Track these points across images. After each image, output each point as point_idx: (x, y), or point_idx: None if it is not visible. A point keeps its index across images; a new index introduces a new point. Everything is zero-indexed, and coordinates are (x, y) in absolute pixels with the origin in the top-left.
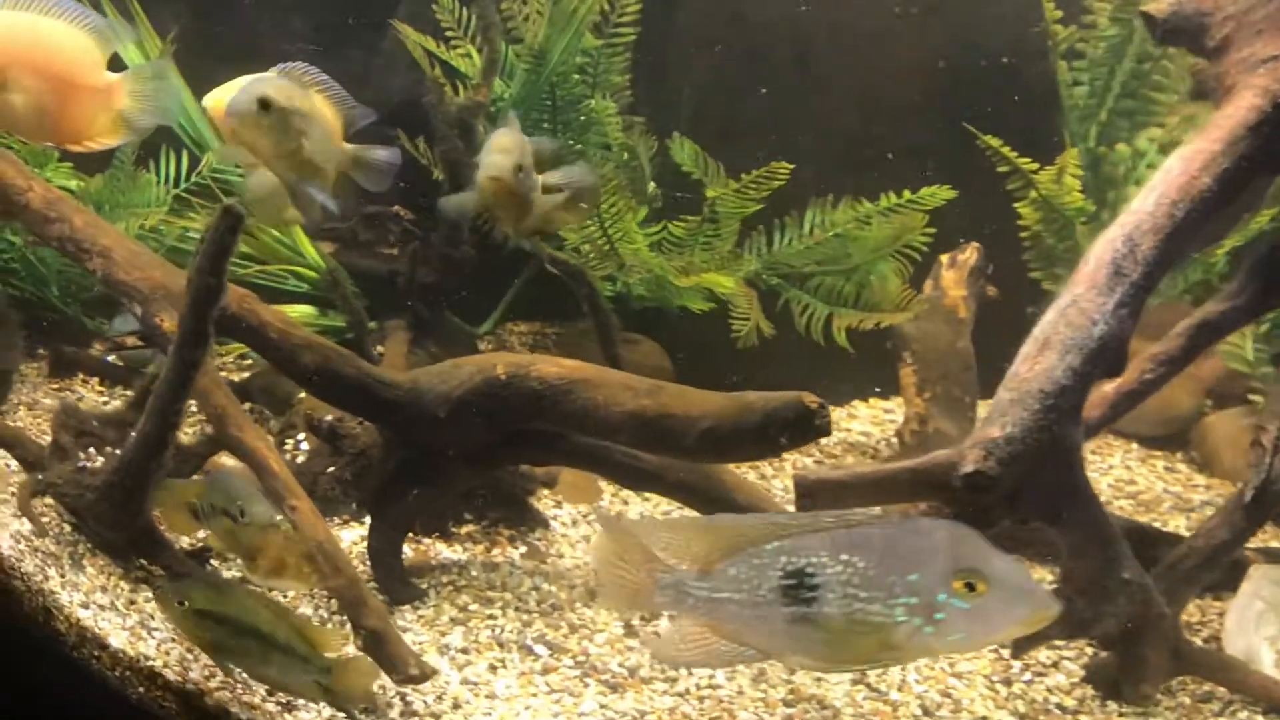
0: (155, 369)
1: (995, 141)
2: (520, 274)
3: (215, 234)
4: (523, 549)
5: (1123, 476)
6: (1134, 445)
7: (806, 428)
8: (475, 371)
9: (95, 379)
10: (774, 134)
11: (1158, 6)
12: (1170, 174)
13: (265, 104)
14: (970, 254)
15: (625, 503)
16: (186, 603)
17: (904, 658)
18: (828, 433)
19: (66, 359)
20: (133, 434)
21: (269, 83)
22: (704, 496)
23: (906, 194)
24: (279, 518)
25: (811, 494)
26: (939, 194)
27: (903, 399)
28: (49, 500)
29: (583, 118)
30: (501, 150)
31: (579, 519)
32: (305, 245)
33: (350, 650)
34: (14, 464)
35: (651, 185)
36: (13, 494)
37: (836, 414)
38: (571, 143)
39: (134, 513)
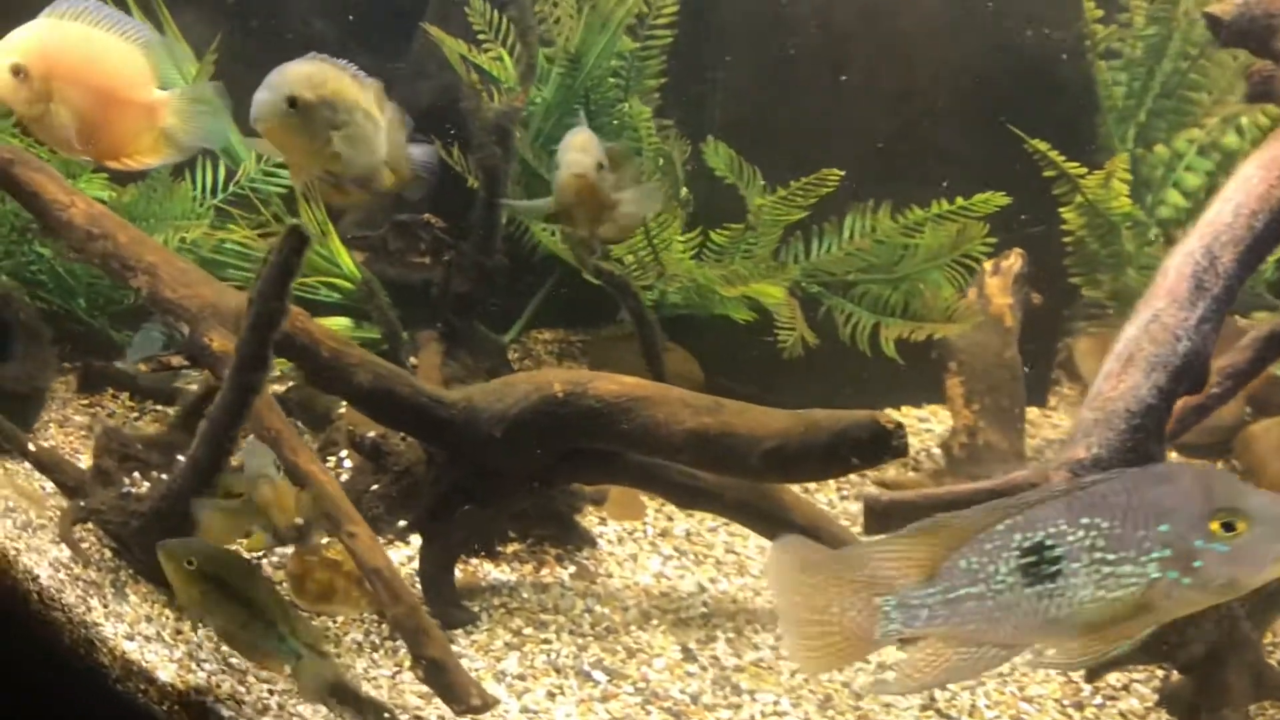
0: (196, 388)
1: (1043, 146)
2: (544, 281)
3: (280, 255)
4: (571, 569)
5: None
6: (1174, 455)
7: (882, 448)
8: (532, 390)
9: (125, 394)
10: (807, 137)
11: (1222, 8)
12: (1249, 183)
13: (294, 102)
14: (1014, 260)
15: (670, 519)
16: (194, 562)
17: (1162, 616)
18: (905, 453)
19: (96, 373)
20: (180, 458)
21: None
22: (762, 515)
23: (960, 200)
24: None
25: (884, 516)
26: (992, 200)
27: (949, 410)
28: (88, 525)
29: (615, 122)
30: (581, 148)
31: (624, 536)
32: (343, 256)
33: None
34: (50, 487)
35: (684, 190)
36: (51, 519)
37: None
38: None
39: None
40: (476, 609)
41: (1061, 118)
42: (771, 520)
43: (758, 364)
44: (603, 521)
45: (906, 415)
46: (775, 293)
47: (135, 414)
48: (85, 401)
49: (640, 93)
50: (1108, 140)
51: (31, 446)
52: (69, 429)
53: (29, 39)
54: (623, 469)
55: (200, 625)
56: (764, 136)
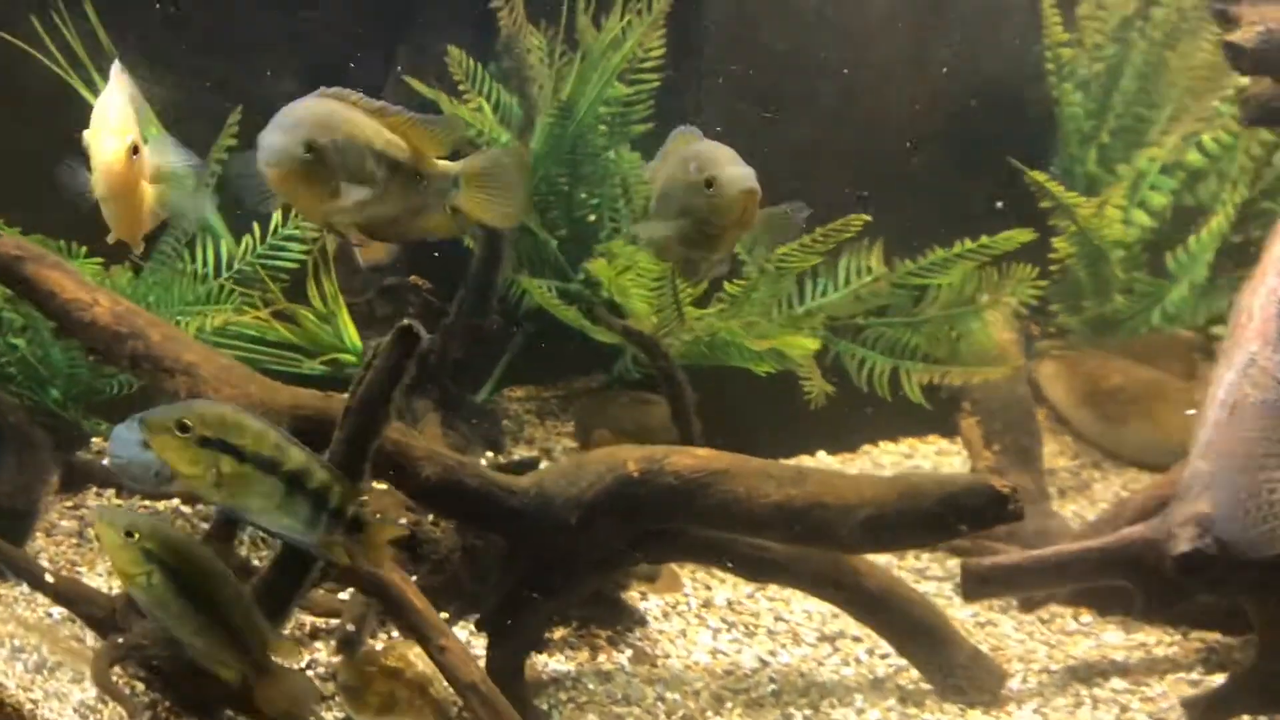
0: None
1: (1041, 177)
2: (509, 339)
3: (388, 357)
4: (629, 652)
5: None
6: (1158, 477)
7: (997, 514)
8: (605, 470)
9: (111, 491)
10: (787, 175)
11: (1244, 35)
12: None
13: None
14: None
15: (708, 588)
16: (136, 535)
17: None
18: (1021, 518)
19: (78, 471)
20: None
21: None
22: (834, 584)
23: (984, 239)
24: None
25: (984, 582)
26: (1015, 238)
27: (966, 452)
28: None
29: (601, 170)
30: (736, 159)
31: (669, 610)
32: (350, 330)
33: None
34: (57, 612)
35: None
36: (69, 653)
37: (861, 461)
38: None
39: None
40: (545, 707)
41: (1022, 140)
42: (844, 589)
43: (743, 411)
44: (643, 596)
45: (886, 451)
46: (810, 344)
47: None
48: (69, 503)
49: (628, 138)
50: (1068, 162)
51: (50, 578)
52: (56, 536)
53: None
54: (689, 545)
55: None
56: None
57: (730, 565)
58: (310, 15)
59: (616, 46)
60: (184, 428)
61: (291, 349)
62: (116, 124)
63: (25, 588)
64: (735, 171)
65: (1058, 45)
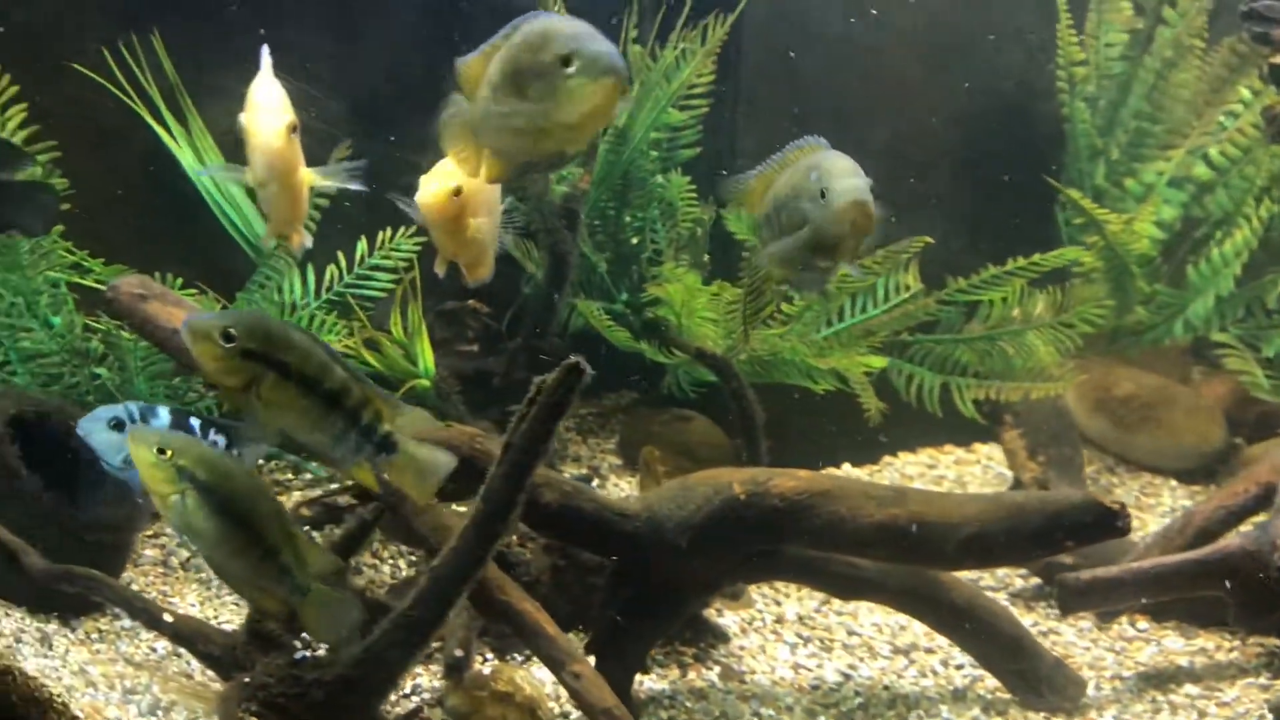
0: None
1: (1075, 194)
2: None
3: (553, 392)
4: (716, 669)
5: None
6: (1172, 481)
7: (1106, 530)
8: (712, 493)
9: None
10: None
11: None
12: None
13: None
14: (1039, 306)
15: (778, 603)
16: (169, 453)
17: None
18: (1128, 533)
19: None
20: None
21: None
22: (924, 599)
23: (1037, 256)
24: None
25: (1082, 595)
26: (1066, 254)
27: (1009, 464)
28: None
29: (647, 194)
30: (854, 171)
31: (745, 627)
32: (427, 358)
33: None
34: (161, 647)
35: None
36: (180, 691)
37: (886, 472)
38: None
39: (372, 713)
40: None
41: (1033, 156)
42: (933, 604)
43: (768, 424)
44: (719, 613)
45: (908, 462)
46: (876, 362)
47: None
48: (149, 532)
49: (675, 163)
50: (1077, 176)
51: (168, 616)
52: (143, 566)
53: None
54: (784, 564)
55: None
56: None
57: (824, 583)
58: (362, 43)
59: (670, 75)
60: (228, 337)
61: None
62: (274, 103)
63: (126, 621)
64: (849, 184)
65: (1072, 64)
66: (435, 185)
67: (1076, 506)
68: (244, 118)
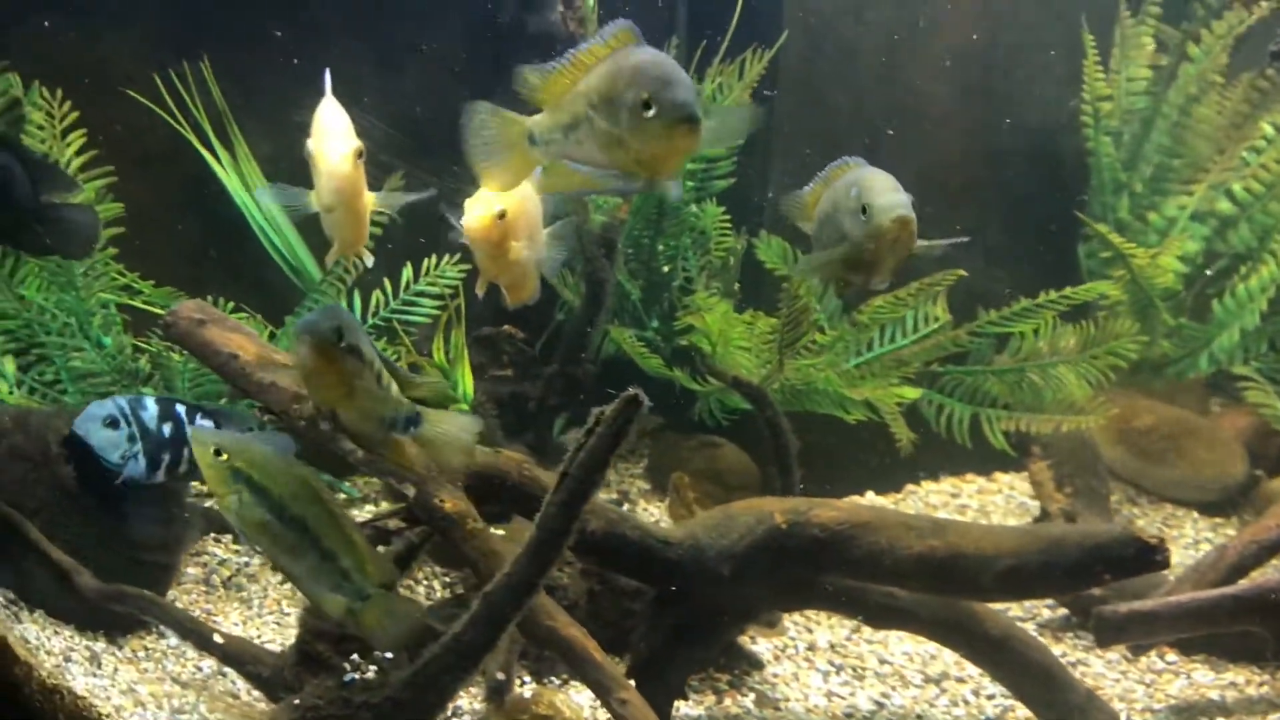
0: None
1: (1103, 229)
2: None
3: (612, 425)
4: (751, 696)
5: None
6: (1194, 512)
7: (1145, 564)
8: (754, 522)
9: (229, 536)
10: None
11: None
12: None
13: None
14: (1069, 339)
15: (809, 630)
16: (225, 455)
17: None
18: (1168, 566)
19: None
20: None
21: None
22: (958, 630)
23: (1069, 290)
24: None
25: (1119, 629)
26: (1095, 289)
27: (1037, 495)
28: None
29: (680, 224)
30: (894, 187)
31: (778, 653)
32: (467, 383)
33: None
34: (207, 665)
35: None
36: (227, 708)
37: (910, 500)
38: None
39: None
40: None
41: (1057, 189)
42: (967, 634)
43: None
44: (753, 640)
45: (932, 491)
46: (910, 393)
47: (244, 558)
48: (192, 550)
49: (710, 194)
50: (1101, 210)
51: (218, 637)
52: (185, 584)
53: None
54: (821, 593)
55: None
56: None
57: (861, 612)
58: (405, 72)
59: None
60: (339, 335)
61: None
62: (340, 129)
63: (171, 640)
64: (889, 199)
65: (1098, 100)
66: (480, 209)
67: (1116, 540)
68: (311, 144)
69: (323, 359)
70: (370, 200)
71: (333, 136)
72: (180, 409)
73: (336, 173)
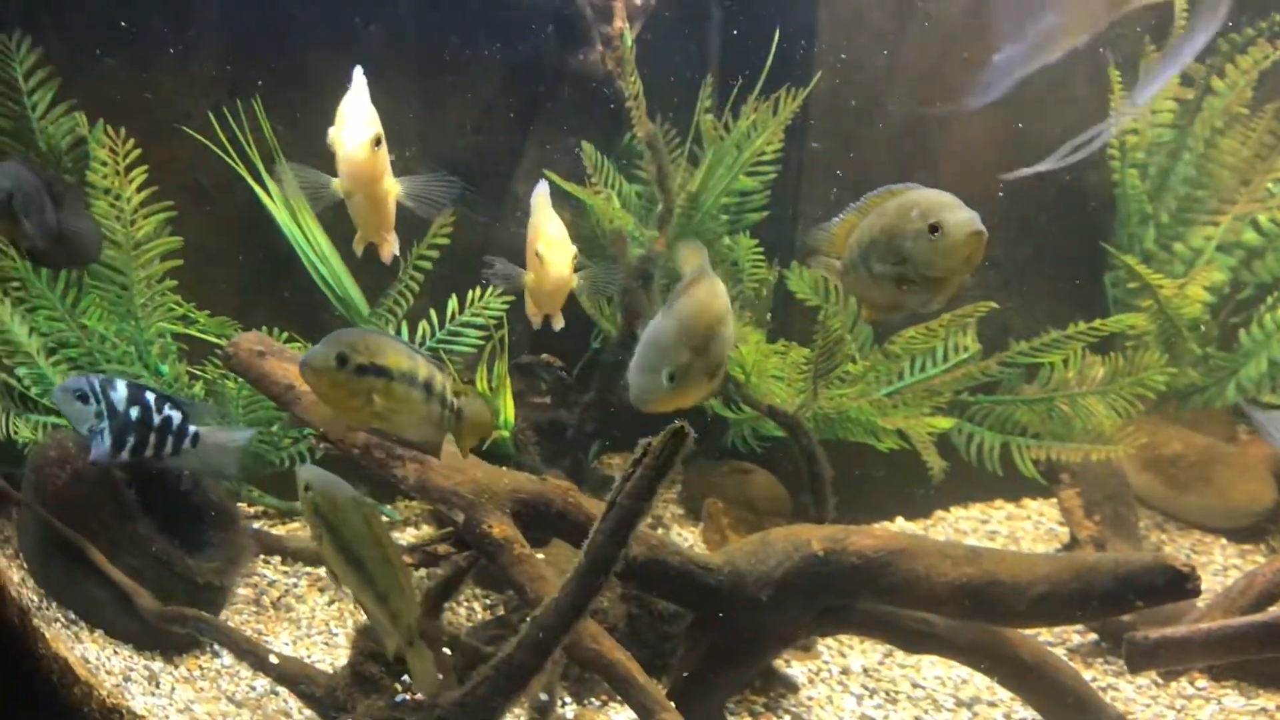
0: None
1: (1132, 260)
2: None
3: (659, 456)
4: (786, 717)
5: None
6: (1222, 539)
7: (1177, 592)
8: (792, 549)
9: (277, 558)
10: None
11: None
12: None
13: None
14: (1097, 369)
15: (843, 654)
16: (308, 489)
17: None
18: (1199, 594)
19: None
20: (447, 651)
21: None
22: (991, 655)
23: (1098, 321)
24: None
25: (1149, 656)
26: (1124, 320)
27: (1066, 522)
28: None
29: (714, 256)
30: (960, 204)
31: (812, 677)
32: (509, 411)
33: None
34: (260, 684)
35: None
36: None
37: (940, 526)
38: None
39: None
40: None
41: (1083, 219)
42: (999, 658)
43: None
44: (787, 664)
45: (961, 517)
46: (943, 423)
47: (293, 579)
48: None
49: (744, 226)
50: (1127, 241)
51: (274, 658)
52: (236, 604)
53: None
54: (857, 618)
55: None
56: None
57: (894, 637)
58: (449, 111)
59: (741, 144)
60: (343, 360)
61: None
62: (361, 118)
63: (225, 659)
64: (962, 216)
65: (1123, 132)
66: (562, 254)
67: (1148, 568)
68: (333, 131)
69: (328, 386)
70: (392, 187)
71: (352, 124)
72: (149, 395)
73: (353, 160)
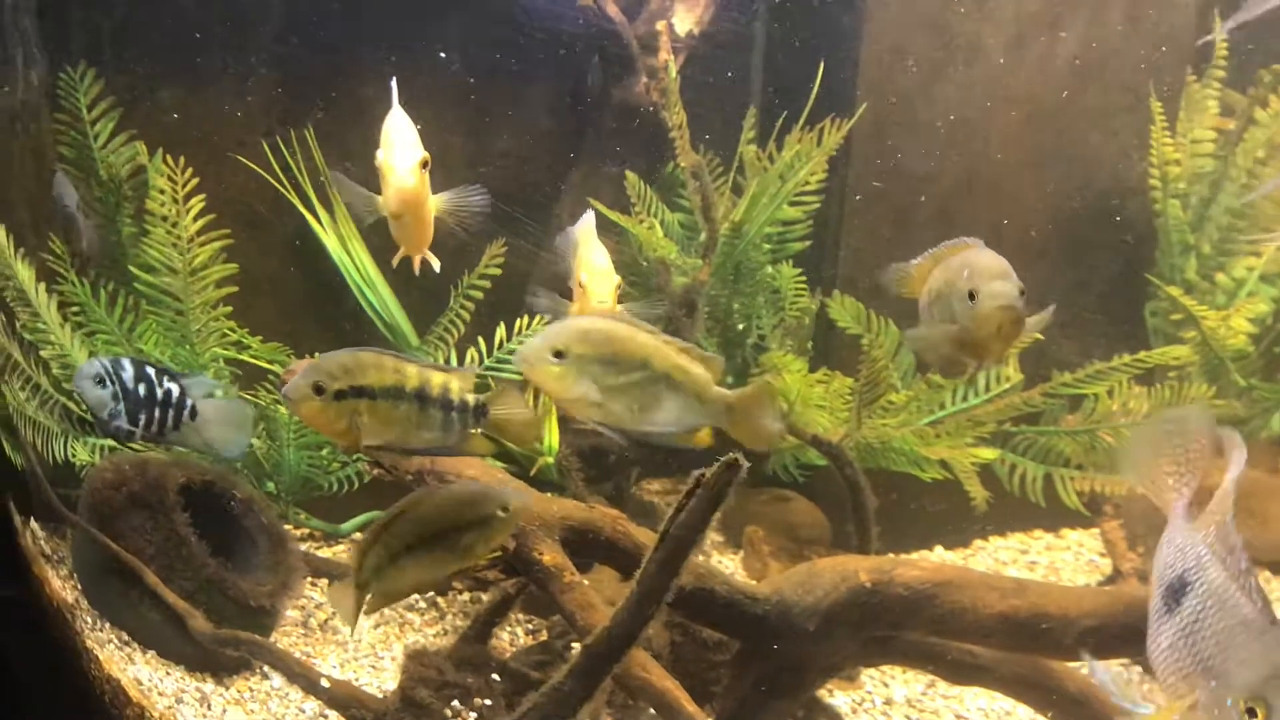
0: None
1: (1176, 291)
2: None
3: (713, 487)
4: None
5: None
6: (1266, 572)
7: None
8: (839, 580)
9: (324, 580)
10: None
11: None
12: None
13: None
14: (1141, 401)
15: (885, 684)
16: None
17: None
18: None
19: None
20: (495, 678)
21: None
22: (1036, 687)
23: (1143, 354)
24: None
25: None
26: (1170, 353)
27: (1109, 554)
28: None
29: (756, 284)
30: (1004, 274)
31: (855, 707)
32: (553, 435)
33: None
34: (310, 708)
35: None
36: None
37: (979, 556)
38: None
39: None
40: None
41: (1123, 250)
42: (1044, 690)
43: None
44: (830, 693)
45: (1000, 547)
46: (987, 454)
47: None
48: None
49: (786, 256)
50: (1169, 271)
51: (325, 682)
52: (284, 626)
53: None
54: (902, 648)
55: None
56: (876, 289)
57: (939, 668)
58: (494, 140)
59: (785, 174)
60: (319, 389)
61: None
62: (408, 141)
63: (276, 681)
64: (996, 287)
65: (1165, 163)
66: (606, 284)
67: None
68: (380, 154)
69: (310, 415)
70: (434, 204)
71: (401, 148)
72: (150, 370)
73: (404, 185)
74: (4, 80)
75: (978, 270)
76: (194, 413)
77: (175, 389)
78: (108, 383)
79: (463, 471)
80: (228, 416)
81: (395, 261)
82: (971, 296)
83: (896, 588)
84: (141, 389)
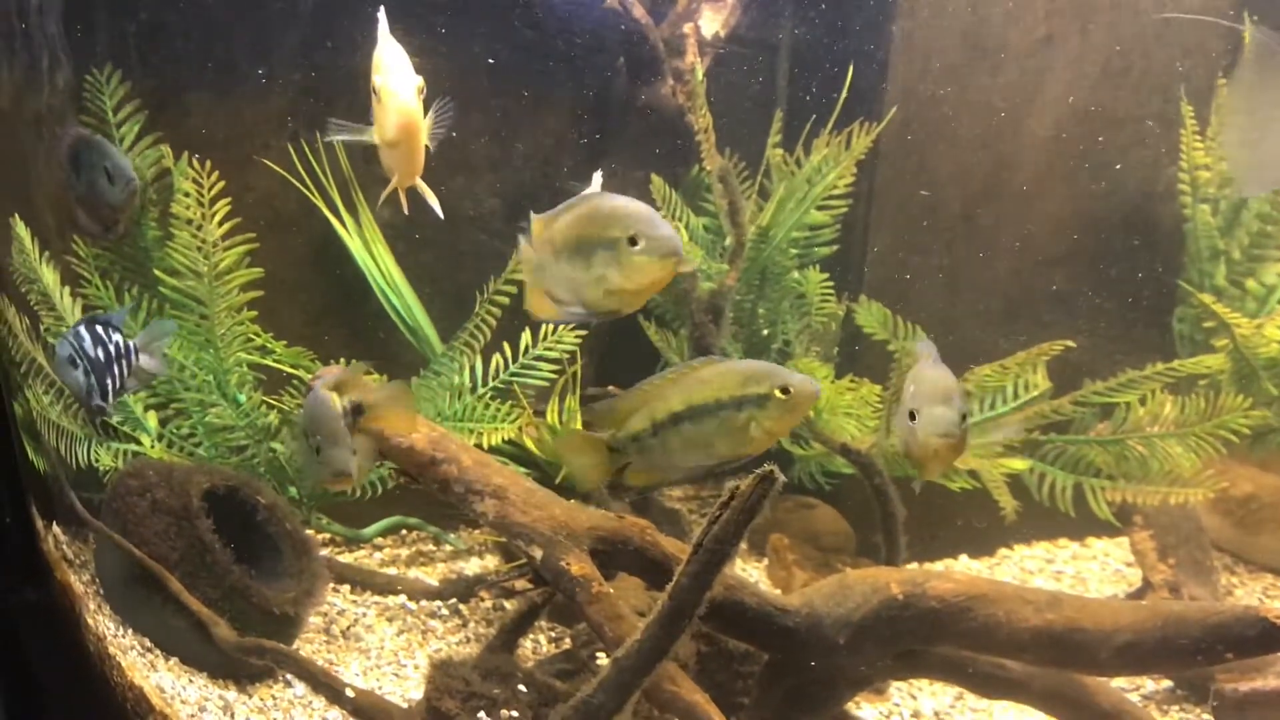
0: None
1: (1208, 299)
2: None
3: (748, 499)
4: None
5: None
6: None
7: (1269, 645)
8: (870, 592)
9: (346, 586)
10: (939, 293)
11: None
12: None
13: None
14: (1166, 405)
15: (913, 697)
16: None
17: None
18: None
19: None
20: (522, 689)
21: None
22: (1067, 702)
23: (1176, 363)
24: None
25: (1239, 708)
26: (1204, 361)
27: (1139, 565)
28: None
29: (782, 289)
30: (945, 398)
31: (884, 719)
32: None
33: None
34: (334, 717)
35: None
36: None
37: (1004, 565)
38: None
39: None
40: None
41: (1152, 256)
42: (1077, 706)
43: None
44: (858, 706)
45: (1026, 556)
46: (1018, 465)
47: (362, 609)
48: None
49: (812, 260)
50: (1198, 277)
51: (350, 691)
52: (307, 634)
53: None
54: (932, 662)
55: None
56: (903, 294)
57: (969, 682)
58: (517, 145)
59: (812, 179)
60: None
61: (520, 462)
62: (403, 65)
63: (299, 689)
64: (936, 413)
65: (1195, 168)
66: (404, 80)
67: (1239, 619)
68: (377, 80)
69: None
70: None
71: (398, 73)
72: (98, 328)
73: (404, 110)
74: (30, 84)
75: (922, 391)
76: (136, 354)
77: (119, 338)
78: (77, 359)
79: (490, 479)
80: (154, 339)
81: (382, 198)
82: (912, 417)
83: (929, 600)
84: (100, 352)
